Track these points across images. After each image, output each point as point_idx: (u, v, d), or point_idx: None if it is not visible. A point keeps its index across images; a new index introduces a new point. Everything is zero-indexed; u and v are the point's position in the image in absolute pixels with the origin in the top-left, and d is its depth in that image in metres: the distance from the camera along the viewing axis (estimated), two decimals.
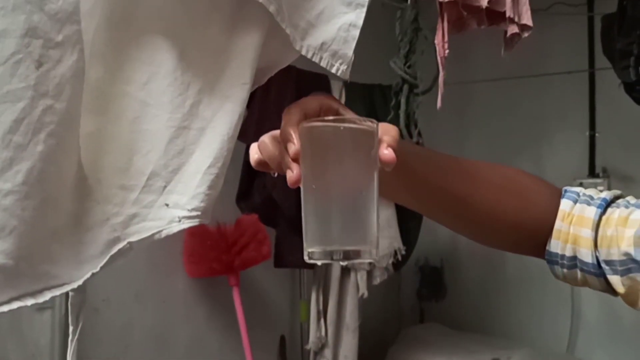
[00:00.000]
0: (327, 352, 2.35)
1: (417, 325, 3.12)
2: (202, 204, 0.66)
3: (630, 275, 0.65)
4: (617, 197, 0.72)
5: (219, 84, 0.67)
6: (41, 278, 0.59)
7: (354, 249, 0.54)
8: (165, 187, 0.66)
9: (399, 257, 2.42)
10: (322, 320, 2.35)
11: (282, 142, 0.55)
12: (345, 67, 0.69)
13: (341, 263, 0.55)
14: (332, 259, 0.54)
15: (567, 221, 0.70)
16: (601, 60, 2.37)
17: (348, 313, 2.40)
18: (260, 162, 0.59)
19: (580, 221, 0.69)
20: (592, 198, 0.71)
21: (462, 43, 2.56)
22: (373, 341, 2.77)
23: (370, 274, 2.40)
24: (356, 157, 0.55)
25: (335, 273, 2.38)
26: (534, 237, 0.73)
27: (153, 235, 0.65)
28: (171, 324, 2.20)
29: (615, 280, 0.67)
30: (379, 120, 0.57)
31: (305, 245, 0.55)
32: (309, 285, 2.49)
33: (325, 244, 0.54)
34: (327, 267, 2.41)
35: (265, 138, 0.58)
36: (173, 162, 0.66)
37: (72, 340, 0.62)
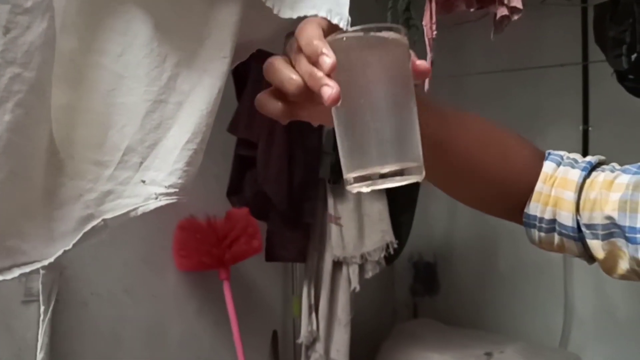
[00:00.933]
0: (319, 347, 2.33)
1: (411, 321, 3.11)
2: (179, 181, 0.64)
3: (612, 239, 0.64)
4: (601, 163, 0.70)
5: (198, 56, 0.65)
6: (9, 254, 0.56)
7: (406, 167, 0.49)
8: (141, 163, 0.63)
9: (391, 251, 2.41)
10: (313, 314, 2.33)
11: (311, 57, 0.49)
12: (345, 22, 0.65)
13: (390, 185, 0.50)
14: (384, 177, 0.49)
15: (549, 183, 0.68)
16: (595, 53, 2.36)
17: (340, 307, 2.38)
18: (298, 92, 0.50)
19: (563, 183, 0.67)
20: (576, 161, 0.69)
21: (455, 35, 2.55)
22: (367, 336, 2.76)
23: (362, 268, 2.39)
24: (396, 69, 0.51)
25: (327, 267, 2.36)
26: (511, 196, 0.70)
27: (129, 212, 0.63)
28: (162, 318, 2.18)
29: (595, 244, 0.65)
30: None
31: (346, 173, 0.50)
32: (301, 279, 2.47)
33: (375, 165, 0.49)
34: (318, 261, 2.39)
35: (277, 63, 0.52)
36: (150, 137, 0.63)
37: (43, 320, 0.60)
